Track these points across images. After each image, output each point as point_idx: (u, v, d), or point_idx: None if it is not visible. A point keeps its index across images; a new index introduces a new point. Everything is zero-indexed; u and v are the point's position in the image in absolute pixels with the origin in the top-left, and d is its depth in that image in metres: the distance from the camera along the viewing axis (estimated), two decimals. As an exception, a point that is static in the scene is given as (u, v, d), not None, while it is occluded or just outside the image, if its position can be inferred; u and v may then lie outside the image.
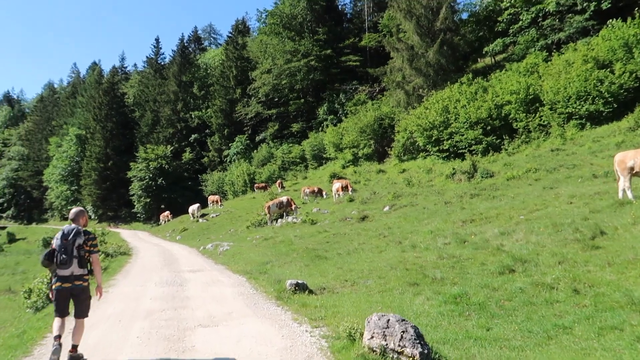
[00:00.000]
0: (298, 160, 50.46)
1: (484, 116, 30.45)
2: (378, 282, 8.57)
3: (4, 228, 78.91)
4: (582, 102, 26.66)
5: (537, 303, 5.74)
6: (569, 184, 14.74)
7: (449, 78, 38.78)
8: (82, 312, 6.16)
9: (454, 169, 24.00)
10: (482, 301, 6.09)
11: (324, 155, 47.20)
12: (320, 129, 50.57)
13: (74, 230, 6.09)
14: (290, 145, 52.88)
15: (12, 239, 66.71)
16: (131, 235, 39.13)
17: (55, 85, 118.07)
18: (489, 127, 30.46)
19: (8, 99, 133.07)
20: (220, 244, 19.38)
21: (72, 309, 6.17)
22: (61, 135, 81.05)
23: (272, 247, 15.74)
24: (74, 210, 6.63)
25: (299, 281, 8.77)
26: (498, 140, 29.92)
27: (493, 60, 44.67)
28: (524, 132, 29.19)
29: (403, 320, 4.54)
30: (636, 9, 29.54)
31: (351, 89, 51.72)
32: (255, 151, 55.44)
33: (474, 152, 30.34)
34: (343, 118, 48.35)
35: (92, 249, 6.22)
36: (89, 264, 6.27)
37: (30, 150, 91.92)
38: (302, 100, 54.76)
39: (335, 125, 47.74)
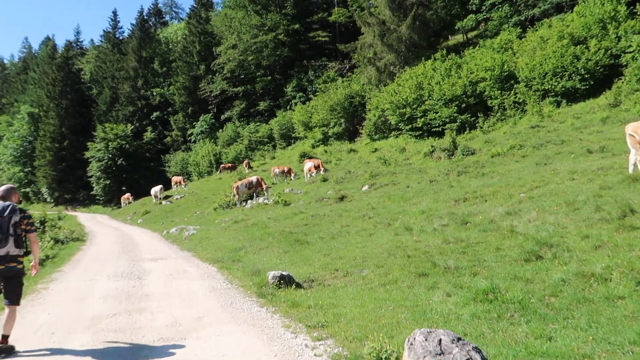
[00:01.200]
0: (266, 139, 48.73)
1: (458, 93, 29.70)
2: (376, 272, 7.33)
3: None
4: (559, 79, 26.25)
5: (595, 300, 4.62)
6: (562, 160, 13.89)
7: (421, 55, 37.80)
8: (14, 298, 5.72)
9: (432, 146, 23.03)
10: (520, 298, 4.92)
11: (293, 135, 45.66)
12: (288, 107, 48.87)
13: (9, 207, 5.65)
14: (258, 124, 51.02)
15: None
16: (89, 219, 36.75)
17: (6, 61, 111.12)
18: (463, 105, 29.80)
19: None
20: (186, 228, 17.78)
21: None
22: (12, 113, 76.21)
23: (244, 230, 14.29)
24: (4, 187, 6.06)
25: (284, 273, 7.41)
26: (473, 118, 29.23)
27: (465, 37, 43.88)
28: (499, 110, 28.58)
29: (459, 339, 3.20)
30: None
31: (320, 66, 50.07)
32: (220, 130, 53.29)
33: (448, 130, 29.58)
34: (312, 96, 46.77)
35: (29, 227, 5.84)
36: (25, 244, 5.89)
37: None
38: (270, 77, 52.75)
39: (304, 103, 46.15)
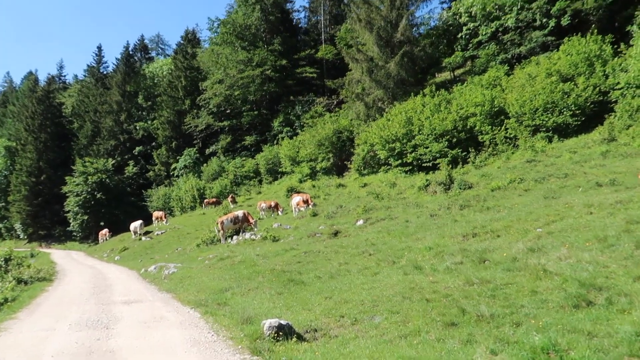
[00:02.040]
0: (252, 174, 47.70)
1: (449, 128, 29.41)
2: (391, 319, 6.24)
3: None
4: (549, 114, 26.23)
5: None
6: (569, 194, 13.12)
7: (409, 91, 37.82)
8: None
9: (427, 180, 22.27)
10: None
11: (280, 169, 44.75)
12: (275, 142, 48.14)
13: None
14: (244, 159, 50.06)
15: None
16: (63, 256, 34.81)
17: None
18: (454, 140, 29.45)
19: None
20: (166, 266, 16.38)
21: None
22: (-12, 147, 74.11)
23: (231, 268, 13.01)
24: None
25: (282, 322, 6.22)
26: (464, 153, 28.80)
27: (452, 74, 44.20)
28: (490, 145, 28.23)
29: None
30: (592, 25, 29.70)
31: (308, 101, 49.74)
32: (205, 165, 52.15)
33: (438, 165, 29.08)
34: (299, 131, 46.22)
35: None
36: None
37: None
38: (256, 112, 52.20)
39: (291, 138, 45.50)
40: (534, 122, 26.89)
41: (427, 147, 30.03)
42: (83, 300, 10.94)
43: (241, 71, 50.04)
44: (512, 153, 26.89)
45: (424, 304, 6.44)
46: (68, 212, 54.66)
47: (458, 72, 44.35)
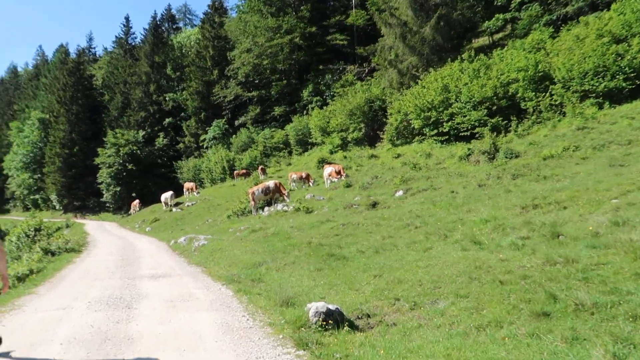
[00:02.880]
0: (281, 145, 46.88)
1: (489, 95, 27.74)
2: (460, 305, 5.28)
3: (-39, 219, 73.20)
4: (600, 79, 24.23)
5: None
6: (638, 162, 11.71)
7: (445, 57, 35.96)
8: None
9: (469, 149, 20.95)
10: None
11: (310, 140, 43.73)
12: (304, 112, 46.98)
13: None
14: (273, 130, 49.19)
15: (-31, 230, 61.38)
16: (96, 227, 35.04)
17: (20, 69, 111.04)
18: (494, 107, 27.82)
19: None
20: (196, 237, 15.78)
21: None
22: (23, 119, 75.29)
23: (264, 241, 12.26)
24: None
25: (330, 306, 5.32)
26: (505, 122, 27.12)
27: (490, 39, 41.89)
28: (534, 112, 26.48)
29: None
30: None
31: (338, 70, 48.13)
32: (234, 136, 51.57)
33: (476, 135, 27.63)
34: (329, 101, 44.87)
35: None
36: None
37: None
38: (285, 82, 50.94)
39: (321, 108, 44.25)
40: (582, 88, 24.99)
41: (464, 116, 28.54)
42: (108, 273, 10.37)
43: (269, 39, 48.68)
44: (559, 121, 25.17)
45: (498, 287, 5.45)
46: (101, 183, 55.33)
47: (497, 36, 42.01)
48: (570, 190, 9.55)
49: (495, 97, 27.73)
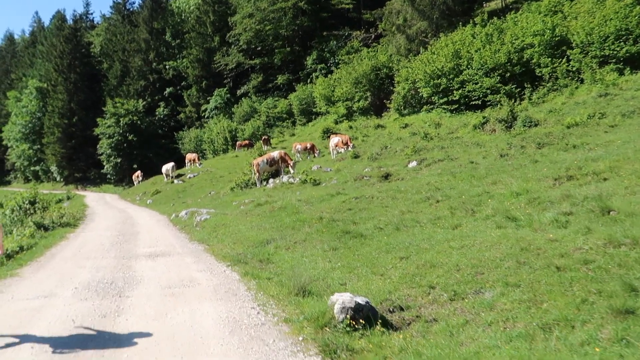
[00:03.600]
0: (284, 115, 45.69)
1: (502, 61, 26.55)
2: (511, 296, 4.40)
3: (-38, 190, 72.63)
4: (622, 43, 22.90)
5: None
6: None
7: (456, 22, 34.48)
8: None
9: (484, 117, 19.89)
10: None
11: (314, 110, 42.53)
12: (308, 80, 45.56)
13: None
14: (276, 99, 47.89)
15: (-32, 202, 60.85)
16: (97, 199, 34.33)
17: (16, 37, 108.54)
18: (507, 74, 26.65)
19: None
20: (198, 211, 14.94)
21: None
22: (20, 88, 73.75)
23: (270, 216, 11.38)
24: None
25: (359, 300, 4.42)
26: (519, 89, 25.95)
27: (503, 3, 40.22)
28: (550, 79, 25.26)
29: None
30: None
31: (343, 36, 46.45)
32: (236, 106, 50.30)
33: (488, 103, 26.55)
34: (334, 69, 43.42)
35: None
36: None
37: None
38: (289, 49, 49.30)
39: (325, 76, 42.84)
40: (602, 53, 23.70)
41: (476, 83, 27.39)
42: (102, 251, 9.56)
43: (272, 3, 46.88)
44: (576, 88, 23.99)
45: (555, 274, 4.57)
46: (101, 154, 54.43)
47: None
48: (607, 160, 8.61)
49: (508, 64, 26.60)
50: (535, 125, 17.02)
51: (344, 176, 15.89)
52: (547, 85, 25.04)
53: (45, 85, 65.64)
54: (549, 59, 25.48)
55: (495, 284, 4.78)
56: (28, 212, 14.82)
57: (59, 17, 77.39)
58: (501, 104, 25.14)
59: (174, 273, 7.37)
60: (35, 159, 67.88)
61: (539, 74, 25.89)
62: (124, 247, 10.04)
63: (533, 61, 26.16)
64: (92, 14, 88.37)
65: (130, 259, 8.68)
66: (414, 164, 14.73)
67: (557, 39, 25.81)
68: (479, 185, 9.61)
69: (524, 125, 17.21)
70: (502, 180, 9.36)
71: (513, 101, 22.53)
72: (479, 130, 19.15)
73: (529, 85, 25.46)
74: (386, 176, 13.70)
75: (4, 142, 74.72)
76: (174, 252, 9.38)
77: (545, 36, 25.79)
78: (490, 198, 8.25)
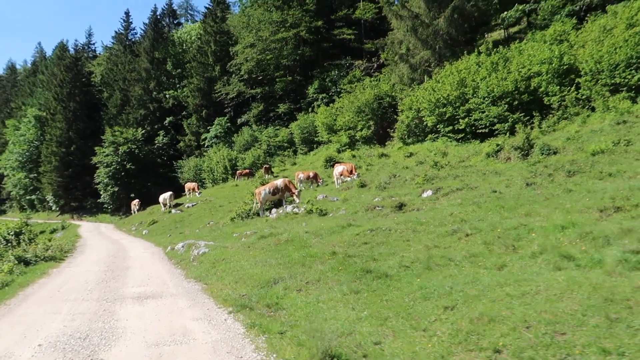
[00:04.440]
0: (286, 144, 44.98)
1: (509, 89, 26.01)
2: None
3: (-43, 220, 71.25)
4: (633, 71, 22.30)
5: None
6: None
7: (459, 52, 34.21)
8: None
9: (497, 145, 19.04)
10: None
11: (316, 139, 41.86)
12: (310, 109, 45.06)
13: None
14: (277, 128, 47.27)
15: (-38, 232, 59.43)
16: (91, 229, 33.12)
17: (18, 67, 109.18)
18: (515, 102, 26.00)
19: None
20: (196, 244, 13.80)
21: None
22: (19, 117, 73.36)
23: (275, 250, 10.27)
24: None
25: None
26: (526, 118, 25.26)
27: (505, 33, 40.15)
28: (560, 107, 24.63)
29: None
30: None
31: (345, 65, 46.21)
32: (236, 135, 49.68)
33: (495, 132, 25.89)
34: (336, 98, 42.96)
35: None
36: None
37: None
38: (290, 78, 48.99)
39: (327, 105, 42.34)
40: (613, 80, 23.11)
41: (483, 112, 26.76)
42: (85, 292, 8.42)
43: (274, 33, 46.82)
44: (588, 116, 23.31)
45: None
46: (98, 183, 53.46)
47: (512, 30, 40.27)
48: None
49: (516, 92, 26.06)
50: (555, 153, 16.16)
51: (353, 206, 14.88)
52: (557, 113, 24.43)
53: (44, 113, 65.23)
54: (558, 87, 24.94)
55: (586, 349, 3.69)
56: (10, 244, 13.69)
57: (61, 46, 77.79)
58: (515, 132, 24.44)
59: (165, 323, 6.19)
60: (31, 187, 66.81)
61: (547, 102, 25.31)
62: (111, 286, 8.91)
63: (541, 89, 25.63)
64: (94, 44, 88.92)
65: (115, 301, 7.54)
66: (428, 193, 13.75)
67: (565, 67, 25.34)
68: (510, 216, 8.61)
69: (542, 153, 16.34)
70: (536, 212, 8.38)
71: (529, 128, 21.73)
72: (492, 159, 18.28)
73: (537, 114, 24.80)
74: (400, 206, 12.71)
75: (0, 171, 73.79)
76: (166, 292, 8.25)
77: (553, 64, 25.34)
78: (530, 231, 7.24)
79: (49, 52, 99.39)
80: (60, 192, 60.23)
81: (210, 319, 6.39)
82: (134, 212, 44.37)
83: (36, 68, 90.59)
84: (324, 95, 45.07)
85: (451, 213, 9.91)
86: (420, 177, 16.93)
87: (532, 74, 25.99)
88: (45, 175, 60.53)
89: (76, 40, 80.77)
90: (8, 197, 76.35)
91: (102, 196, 53.72)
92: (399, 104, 35.19)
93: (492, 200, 10.43)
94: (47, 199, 63.86)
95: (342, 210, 14.82)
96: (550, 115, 24.61)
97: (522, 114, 25.33)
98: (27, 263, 12.12)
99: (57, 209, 62.40)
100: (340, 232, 10.77)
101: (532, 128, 24.27)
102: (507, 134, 24.54)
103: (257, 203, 19.61)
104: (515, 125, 23.27)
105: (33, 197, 67.44)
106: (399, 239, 8.97)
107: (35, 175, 64.56)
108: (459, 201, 11.40)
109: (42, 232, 42.37)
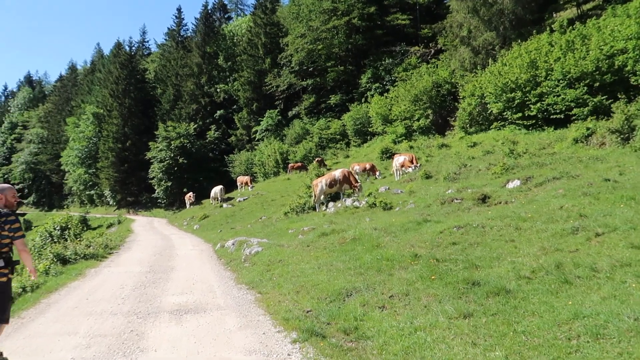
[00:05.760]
0: (338, 137, 43.35)
1: (589, 70, 23.22)
2: None
3: (23, 215, 74.51)
4: None
5: None
6: None
7: (525, 33, 31.50)
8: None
9: (588, 129, 16.63)
10: None
11: (370, 130, 39.98)
12: (363, 100, 43.18)
13: None
14: (329, 120, 45.71)
15: (28, 226, 61.86)
16: (144, 224, 32.83)
17: (79, 67, 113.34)
18: (596, 84, 23.21)
19: (29, 81, 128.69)
20: (248, 241, 12.39)
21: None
22: (78, 114, 75.71)
23: (341, 250, 8.64)
24: None
25: None
26: (610, 101, 22.47)
27: (578, 10, 36.70)
28: (651, 88, 21.73)
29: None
30: None
31: (400, 52, 43.94)
32: (287, 128, 48.59)
33: (572, 117, 23.25)
34: (390, 87, 40.84)
35: (13, 234, 5.01)
36: (10, 253, 4.95)
37: (50, 133, 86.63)
38: (342, 68, 47.25)
39: (381, 95, 40.32)
40: None
41: (557, 95, 24.13)
42: (117, 301, 7.07)
43: (325, 22, 45.20)
44: (686, 96, 20.40)
45: None
46: (152, 178, 53.93)
47: (586, 7, 36.80)
48: None
49: (597, 72, 23.27)
50: (662, 136, 13.72)
51: (423, 199, 13.06)
52: (649, 94, 21.58)
53: (102, 110, 66.79)
54: (647, 65, 22.03)
55: None
56: (56, 239, 12.86)
57: (117, 45, 79.62)
58: (574, 122, 21.85)
59: (206, 356, 4.74)
60: (90, 183, 68.66)
61: (635, 83, 22.46)
62: (148, 293, 7.58)
63: (627, 68, 22.79)
64: (147, 41, 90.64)
65: (148, 317, 6.12)
66: (516, 183, 11.74)
67: (656, 42, 22.33)
68: (648, 212, 6.62)
69: (647, 137, 13.92)
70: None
71: (628, 108, 18.94)
72: (581, 144, 15.93)
73: (622, 96, 21.95)
74: (483, 199, 10.82)
75: (62, 167, 76.48)
76: (212, 304, 6.74)
77: (642, 39, 22.37)
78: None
79: (106, 51, 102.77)
80: (117, 187, 61.45)
81: (268, 354, 4.76)
82: (188, 206, 44.26)
83: (94, 67, 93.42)
84: (377, 84, 43.06)
85: (561, 206, 7.95)
86: (499, 166, 14.86)
87: (615, 51, 23.18)
88: (103, 170, 61.91)
89: (130, 38, 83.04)
90: (70, 193, 79.05)
91: (156, 191, 54.20)
92: (459, 90, 32.93)
93: (610, 191, 8.40)
94: (105, 194, 65.41)
95: (410, 203, 13.04)
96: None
97: (604, 97, 22.62)
98: (65, 261, 11.13)
99: (114, 203, 63.78)
100: (416, 229, 9.00)
101: (612, 112, 21.63)
102: (588, 118, 21.90)
103: (314, 195, 18.04)
104: (612, 106, 20.45)
105: (92, 192, 69.33)
106: (498, 239, 7.14)
107: (94, 170, 66.26)
108: (561, 192, 9.37)
109: (99, 227, 42.96)
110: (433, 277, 5.91)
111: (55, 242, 12.30)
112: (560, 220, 7.25)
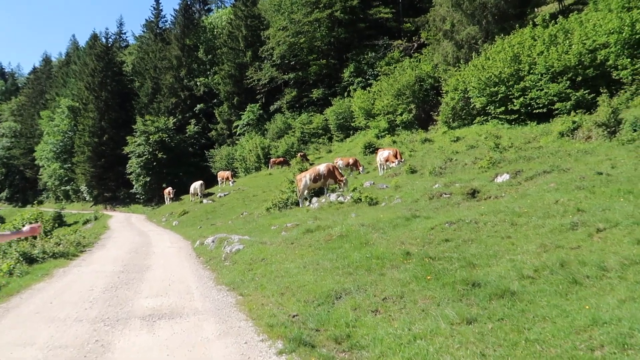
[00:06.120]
0: (320, 131, 42.93)
1: (572, 63, 23.36)
2: None
3: (-5, 211, 72.40)
4: None
5: None
6: None
7: (508, 27, 31.49)
8: None
9: (574, 122, 16.51)
10: None
11: (352, 125, 39.65)
12: (346, 94, 42.79)
13: None
14: (311, 114, 45.22)
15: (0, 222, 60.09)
16: (122, 220, 31.95)
17: (53, 59, 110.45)
18: (579, 78, 23.34)
19: (1, 73, 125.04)
20: (228, 238, 11.84)
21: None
22: (53, 108, 73.62)
23: (327, 248, 8.16)
24: None
25: None
26: (592, 95, 22.59)
27: (560, 5, 36.90)
28: (634, 82, 21.93)
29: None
30: None
31: (383, 46, 43.62)
32: (269, 122, 47.94)
33: (555, 112, 23.38)
34: (373, 81, 40.55)
35: None
36: None
37: (23, 126, 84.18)
38: (324, 61, 46.71)
39: (364, 89, 40.00)
40: (694, 50, 20.25)
41: (540, 89, 24.23)
42: (84, 305, 6.46)
43: (307, 14, 44.58)
44: (667, 90, 20.56)
45: None
46: (131, 173, 52.74)
47: (567, 1, 37.04)
48: None
49: (579, 66, 23.39)
50: (647, 130, 13.60)
51: (410, 194, 12.70)
52: (630, 88, 21.74)
53: (77, 104, 65.02)
54: (629, 59, 22.19)
55: None
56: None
57: (93, 36, 77.60)
58: (557, 116, 21.92)
59: None
60: (66, 178, 66.87)
61: (616, 77, 22.61)
62: (119, 296, 6.98)
63: (609, 62, 22.92)
64: (125, 33, 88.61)
65: (117, 324, 5.52)
66: (505, 177, 11.46)
67: (637, 36, 22.49)
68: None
69: (635, 130, 13.77)
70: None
71: (613, 101, 18.85)
72: (567, 138, 15.79)
73: (604, 90, 22.02)
74: (472, 193, 10.50)
75: (36, 162, 74.45)
76: (188, 308, 6.18)
77: (624, 34, 22.57)
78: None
79: (82, 43, 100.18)
80: (94, 182, 59.95)
81: (249, 364, 4.29)
82: (167, 202, 43.36)
83: (69, 59, 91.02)
84: (360, 78, 42.70)
85: (556, 201, 7.64)
86: (485, 160, 14.61)
87: (597, 45, 23.31)
88: (79, 165, 60.33)
89: (107, 29, 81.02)
90: (44, 188, 77.06)
91: (134, 186, 53.04)
92: (442, 85, 32.79)
93: (604, 184, 8.14)
94: (81, 190, 63.82)
95: (396, 198, 12.66)
96: (622, 91, 21.98)
97: (586, 91, 22.72)
98: (32, 261, 10.37)
99: (91, 199, 62.28)
100: (406, 225, 8.59)
101: (596, 106, 21.71)
102: (571, 112, 21.94)
103: (298, 191, 17.54)
104: (562, 106, 20.50)
105: (68, 187, 67.56)
106: (494, 235, 6.78)
107: (70, 165, 64.55)
108: (553, 185, 9.10)
109: (75, 223, 41.82)
110: (428, 277, 5.50)
111: (22, 240, 11.61)
112: (557, 215, 6.92)
